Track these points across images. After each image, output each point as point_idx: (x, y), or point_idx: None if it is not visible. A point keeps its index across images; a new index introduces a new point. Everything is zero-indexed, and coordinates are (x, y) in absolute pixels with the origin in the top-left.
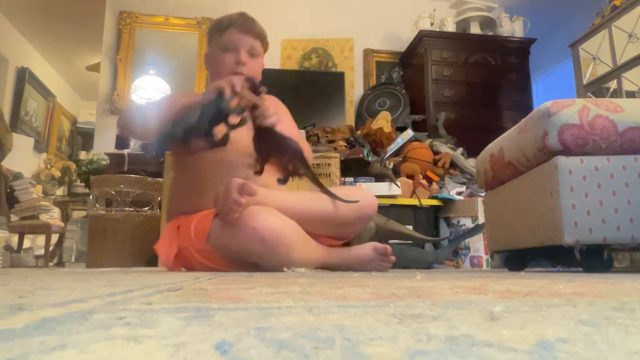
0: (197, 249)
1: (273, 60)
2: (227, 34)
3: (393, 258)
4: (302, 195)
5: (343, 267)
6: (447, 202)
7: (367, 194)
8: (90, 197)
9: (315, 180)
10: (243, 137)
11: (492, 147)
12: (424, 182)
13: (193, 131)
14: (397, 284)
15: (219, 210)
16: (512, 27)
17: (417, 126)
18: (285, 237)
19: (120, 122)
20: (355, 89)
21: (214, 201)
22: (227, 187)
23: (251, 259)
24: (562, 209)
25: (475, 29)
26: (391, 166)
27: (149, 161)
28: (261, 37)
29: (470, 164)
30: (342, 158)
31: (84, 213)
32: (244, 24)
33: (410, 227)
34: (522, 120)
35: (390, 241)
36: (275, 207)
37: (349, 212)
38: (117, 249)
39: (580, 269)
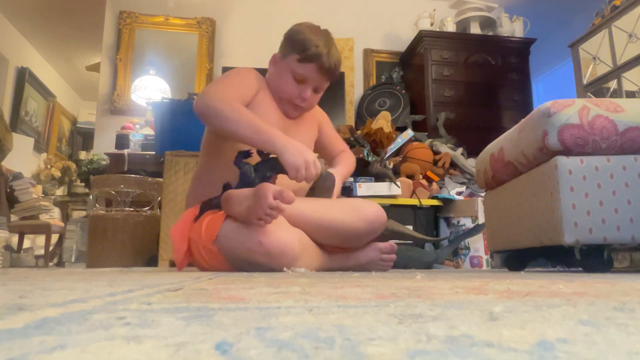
0: (203, 246)
1: None
2: (305, 66)
3: (394, 256)
4: (313, 206)
5: (343, 269)
6: (447, 202)
7: (374, 204)
8: (90, 197)
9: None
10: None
11: (492, 147)
12: (424, 182)
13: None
14: (397, 284)
15: (246, 212)
16: (512, 27)
17: (417, 126)
18: (289, 251)
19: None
20: (355, 89)
21: (222, 202)
22: (260, 191)
23: (254, 266)
24: (562, 209)
25: (475, 29)
26: (391, 166)
27: (148, 161)
28: (331, 78)
29: (470, 164)
30: None
31: (84, 213)
32: (327, 64)
33: (410, 227)
34: (522, 120)
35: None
36: (286, 215)
37: (358, 225)
38: (117, 249)
39: (580, 269)
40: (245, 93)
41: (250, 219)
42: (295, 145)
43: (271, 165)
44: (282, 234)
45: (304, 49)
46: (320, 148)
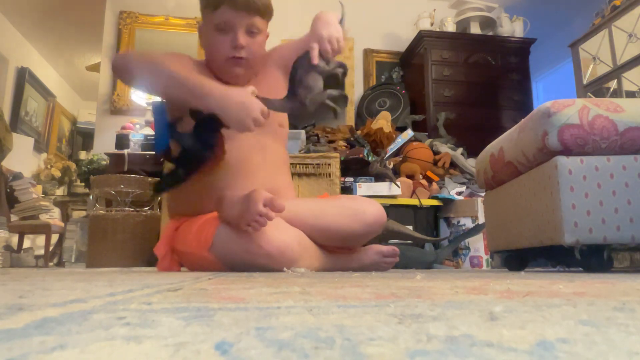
0: (198, 255)
1: None
2: (219, 12)
3: (396, 259)
4: (309, 208)
5: (344, 270)
6: (447, 202)
7: (374, 206)
8: (90, 197)
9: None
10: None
11: (492, 147)
12: (424, 182)
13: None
14: (397, 284)
15: (237, 217)
16: (512, 27)
17: (417, 126)
18: (289, 252)
19: (121, 63)
20: (355, 89)
21: (216, 204)
22: (251, 197)
23: (253, 268)
24: (562, 209)
25: (475, 29)
26: (391, 166)
27: (148, 161)
28: (261, 11)
29: (470, 164)
30: (342, 158)
31: (84, 213)
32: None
33: (410, 227)
34: (522, 120)
35: (390, 241)
36: (282, 217)
37: (356, 228)
38: (117, 249)
39: (580, 269)
40: (179, 62)
41: (240, 224)
42: (233, 96)
43: (210, 127)
44: (280, 235)
45: None
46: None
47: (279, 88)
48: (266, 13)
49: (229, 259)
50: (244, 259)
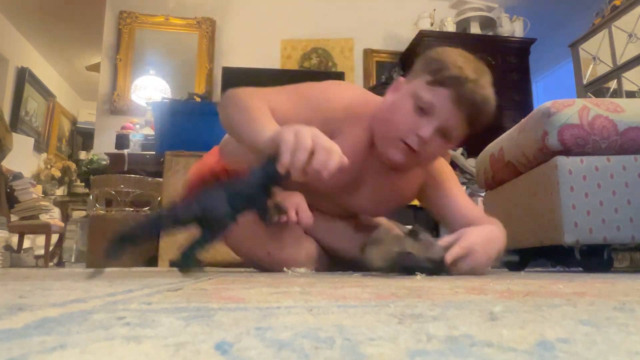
0: None
1: (273, 60)
2: (434, 91)
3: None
4: (324, 229)
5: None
6: None
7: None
8: (90, 197)
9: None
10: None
11: (492, 147)
12: None
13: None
14: (397, 284)
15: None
16: (512, 27)
17: None
18: (294, 264)
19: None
20: None
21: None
22: (290, 197)
23: (256, 265)
24: (562, 209)
25: (475, 29)
26: None
27: (148, 161)
28: (475, 123)
29: (470, 164)
30: None
31: (84, 213)
32: (469, 94)
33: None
34: (522, 120)
35: None
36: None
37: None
38: None
39: (580, 269)
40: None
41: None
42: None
43: (267, 174)
44: (290, 249)
45: (440, 67)
46: (437, 216)
47: (390, 200)
48: (477, 127)
49: (237, 250)
50: (250, 255)
